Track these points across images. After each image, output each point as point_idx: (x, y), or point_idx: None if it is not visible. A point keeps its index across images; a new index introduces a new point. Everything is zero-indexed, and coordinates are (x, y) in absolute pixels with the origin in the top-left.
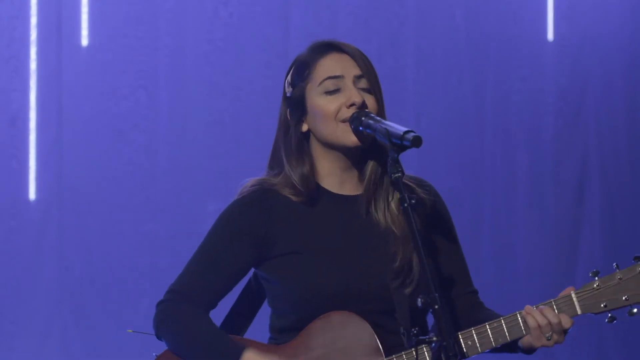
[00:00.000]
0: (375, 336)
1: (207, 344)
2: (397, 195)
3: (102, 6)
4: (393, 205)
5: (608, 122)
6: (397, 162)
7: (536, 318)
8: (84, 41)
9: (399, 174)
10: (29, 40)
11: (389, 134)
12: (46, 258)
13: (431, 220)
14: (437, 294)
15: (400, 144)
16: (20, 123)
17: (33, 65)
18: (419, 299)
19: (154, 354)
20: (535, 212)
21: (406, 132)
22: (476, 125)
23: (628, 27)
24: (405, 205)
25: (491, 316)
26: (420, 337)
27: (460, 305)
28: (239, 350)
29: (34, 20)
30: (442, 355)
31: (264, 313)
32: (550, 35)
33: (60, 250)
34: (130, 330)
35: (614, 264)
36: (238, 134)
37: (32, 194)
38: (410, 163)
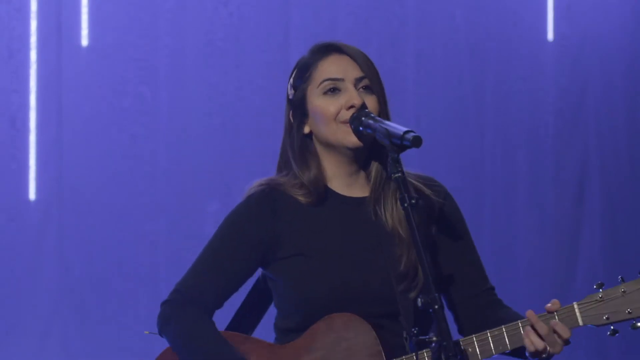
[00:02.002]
0: (377, 339)
1: (209, 353)
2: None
3: (102, 6)
4: (399, 207)
5: (608, 122)
6: (397, 162)
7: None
8: (84, 41)
9: (399, 174)
10: (29, 40)
11: (388, 134)
12: (46, 258)
13: (441, 222)
14: (437, 294)
15: (400, 144)
16: (20, 123)
17: (33, 66)
18: (419, 299)
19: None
20: (535, 212)
21: (406, 132)
22: (476, 125)
23: (628, 27)
24: (405, 205)
25: (509, 314)
26: (420, 337)
27: (477, 304)
28: None
29: (33, 20)
30: (442, 355)
31: (273, 311)
32: (550, 35)
33: (60, 250)
34: (147, 332)
35: (619, 276)
36: (238, 134)
37: (32, 194)
38: (411, 163)
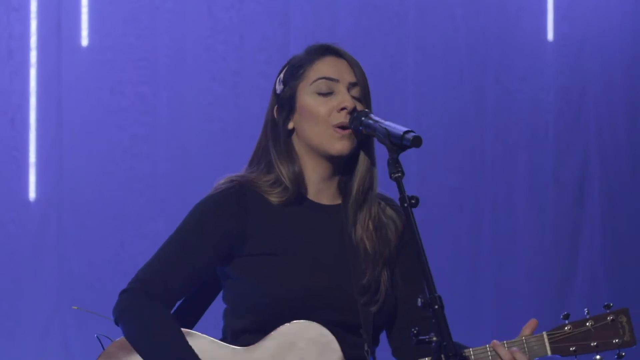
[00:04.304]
0: (340, 351)
1: (167, 354)
2: (374, 212)
3: (102, 6)
4: (371, 223)
5: (608, 122)
6: (397, 162)
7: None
8: (84, 41)
9: (399, 174)
10: (29, 40)
11: (388, 134)
12: (46, 258)
13: (401, 245)
14: (437, 294)
15: (400, 144)
16: (20, 123)
17: (33, 66)
18: (419, 299)
19: (95, 335)
20: (535, 212)
21: (406, 132)
22: (476, 125)
23: (628, 27)
24: (405, 205)
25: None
26: (420, 337)
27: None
28: None
29: (33, 20)
30: (442, 355)
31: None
32: (550, 35)
33: (60, 250)
34: (75, 307)
35: (585, 309)
36: (238, 134)
37: (32, 194)
38: (410, 163)
